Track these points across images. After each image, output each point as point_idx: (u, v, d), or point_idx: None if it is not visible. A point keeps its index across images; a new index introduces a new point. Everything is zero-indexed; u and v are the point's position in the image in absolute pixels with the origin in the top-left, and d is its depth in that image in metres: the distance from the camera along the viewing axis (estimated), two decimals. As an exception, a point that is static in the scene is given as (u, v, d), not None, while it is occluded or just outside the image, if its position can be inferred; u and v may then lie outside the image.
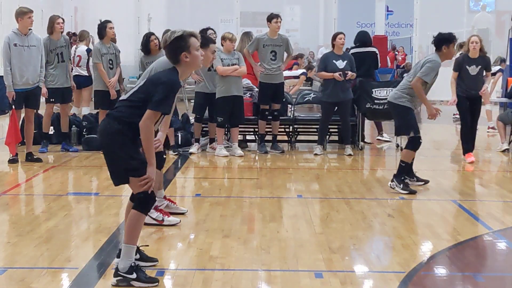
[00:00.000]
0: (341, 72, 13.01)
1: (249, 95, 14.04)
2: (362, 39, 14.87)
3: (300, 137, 14.75)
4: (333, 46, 13.36)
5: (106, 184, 10.41)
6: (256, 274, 6.30)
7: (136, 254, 6.11)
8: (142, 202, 5.94)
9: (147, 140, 5.77)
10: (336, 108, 13.34)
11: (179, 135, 13.69)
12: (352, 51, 14.63)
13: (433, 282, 6.42)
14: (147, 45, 13.13)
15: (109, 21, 13.31)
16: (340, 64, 13.13)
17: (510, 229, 8.07)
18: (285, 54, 13.70)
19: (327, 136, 14.29)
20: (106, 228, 7.75)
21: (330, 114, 13.37)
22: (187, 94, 18.07)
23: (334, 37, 13.34)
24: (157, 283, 5.94)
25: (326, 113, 13.44)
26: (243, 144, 14.11)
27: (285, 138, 14.46)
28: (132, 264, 5.91)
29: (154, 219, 7.73)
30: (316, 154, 13.21)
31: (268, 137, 13.77)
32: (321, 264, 6.55)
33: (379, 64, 15.03)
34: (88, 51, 16.03)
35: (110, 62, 13.17)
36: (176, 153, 13.11)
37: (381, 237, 7.68)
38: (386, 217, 8.51)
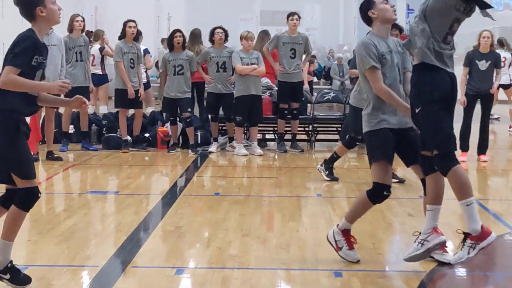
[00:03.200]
0: None
1: (269, 94, 14.04)
2: None
3: (319, 136, 14.72)
4: None
5: (126, 183, 10.45)
6: (275, 273, 6.30)
7: (6, 274, 5.59)
8: (23, 198, 5.55)
9: (19, 86, 5.33)
10: None
11: (199, 134, 13.72)
12: None
13: (454, 281, 6.40)
14: (170, 41, 13.24)
15: (131, 21, 13.35)
16: None
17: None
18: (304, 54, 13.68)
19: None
20: (125, 226, 7.77)
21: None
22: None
23: None
24: (29, 284, 5.65)
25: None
26: (262, 143, 14.12)
27: (305, 137, 14.45)
28: (9, 265, 5.58)
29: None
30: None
31: (288, 136, 13.77)
32: (340, 263, 6.53)
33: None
34: (101, 49, 16.08)
35: (131, 61, 13.20)
36: (196, 152, 13.12)
37: (401, 236, 7.66)
38: (406, 216, 8.49)
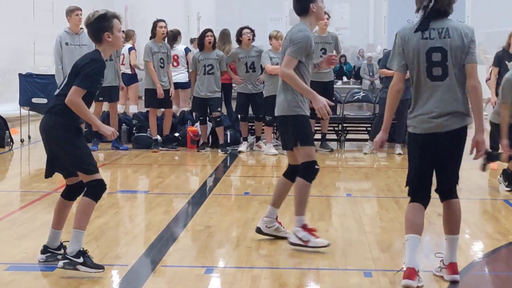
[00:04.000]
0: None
1: (298, 94, 14.01)
2: None
3: (349, 136, 14.69)
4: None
5: (156, 182, 10.49)
6: (304, 273, 6.30)
7: (79, 258, 6.03)
8: (92, 190, 6.08)
9: (79, 112, 5.98)
10: None
11: (228, 134, 13.74)
12: None
13: (484, 282, 6.36)
14: (201, 40, 13.27)
15: (161, 20, 13.38)
16: None
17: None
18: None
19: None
20: (155, 225, 7.80)
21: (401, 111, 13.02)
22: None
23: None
24: (102, 270, 6.02)
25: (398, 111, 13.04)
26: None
27: (334, 136, 14.42)
28: (81, 249, 6.03)
29: (300, 239, 6.90)
30: (366, 154, 12.95)
31: (317, 136, 13.74)
32: (370, 263, 6.52)
33: None
34: (130, 49, 16.16)
35: (161, 61, 13.25)
36: (225, 151, 13.14)
37: (431, 236, 7.61)
38: (436, 216, 8.42)
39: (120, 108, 15.48)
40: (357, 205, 8.98)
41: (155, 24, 13.36)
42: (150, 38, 13.42)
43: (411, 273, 5.75)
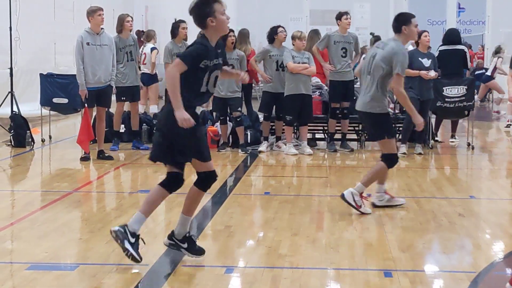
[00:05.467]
0: (428, 71, 12.84)
1: (318, 94, 14.02)
2: (451, 37, 14.42)
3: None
4: (417, 44, 13.21)
5: (176, 182, 10.49)
6: (325, 273, 6.29)
7: (184, 243, 6.55)
8: (203, 180, 6.52)
9: (169, 85, 6.05)
10: None
11: (248, 134, 13.75)
12: (440, 48, 14.35)
13: (505, 282, 6.32)
14: (224, 41, 13.26)
15: (183, 21, 13.40)
16: (426, 62, 12.99)
17: None
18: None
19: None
20: (176, 225, 7.78)
21: (417, 109, 12.95)
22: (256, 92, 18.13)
23: (419, 35, 13.11)
24: (203, 255, 6.50)
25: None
26: (312, 142, 14.10)
27: (354, 136, 14.39)
28: (187, 235, 6.51)
29: (355, 201, 8.49)
30: (404, 154, 12.85)
31: (337, 136, 13.73)
32: (390, 263, 6.50)
33: (469, 63, 14.67)
34: (152, 49, 16.19)
35: (181, 61, 13.24)
36: (245, 151, 13.15)
37: (452, 236, 7.59)
38: (456, 216, 8.41)
39: (140, 108, 15.52)
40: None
41: (176, 25, 13.37)
42: (171, 39, 13.45)
43: None
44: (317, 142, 14.50)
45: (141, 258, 6.31)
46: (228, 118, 13.55)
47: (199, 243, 6.77)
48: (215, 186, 10.12)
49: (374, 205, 8.74)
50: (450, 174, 11.63)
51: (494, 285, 6.18)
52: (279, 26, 13.50)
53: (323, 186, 10.38)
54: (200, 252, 6.57)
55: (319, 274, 6.21)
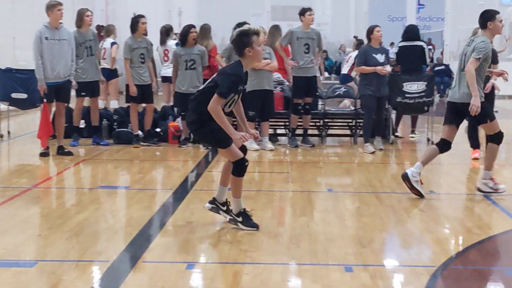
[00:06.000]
0: (384, 67, 12.84)
1: (280, 89, 14.04)
2: (410, 33, 14.44)
3: (330, 131, 14.71)
4: (369, 39, 13.19)
5: (137, 178, 10.47)
6: (286, 268, 6.30)
7: (224, 206, 7.61)
8: (236, 168, 7.28)
9: (217, 117, 7.02)
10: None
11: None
12: (399, 44, 14.39)
13: (464, 276, 6.38)
14: (185, 36, 13.22)
15: (142, 16, 13.35)
16: (380, 58, 12.98)
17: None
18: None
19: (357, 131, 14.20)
20: (136, 221, 7.77)
21: (374, 107, 13.04)
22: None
23: (371, 30, 13.12)
24: (257, 228, 7.30)
25: (371, 107, 13.02)
26: (273, 138, 14.11)
27: (316, 132, 14.43)
28: (241, 210, 7.41)
29: (491, 188, 9.32)
30: (373, 152, 12.82)
31: (299, 131, 13.75)
32: (351, 258, 6.53)
33: (428, 59, 14.72)
34: (112, 44, 16.08)
35: (142, 56, 13.20)
36: (207, 147, 13.12)
37: (411, 231, 7.64)
38: (416, 211, 8.47)
39: (101, 104, 15.42)
40: (338, 200, 8.99)
41: (136, 20, 13.30)
42: (131, 34, 13.36)
43: None
44: (279, 137, 14.52)
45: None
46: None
47: (159, 239, 6.74)
48: (176, 182, 10.12)
49: (480, 190, 9.40)
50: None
51: (453, 279, 6.23)
52: (244, 23, 13.46)
53: (284, 182, 10.39)
54: (254, 226, 7.40)
55: (281, 270, 6.21)
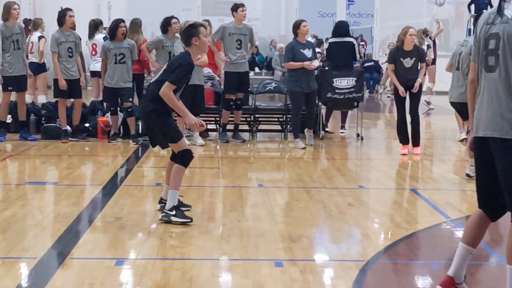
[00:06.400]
0: (311, 61, 12.84)
1: (210, 84, 14.00)
2: (340, 29, 14.49)
3: (261, 127, 14.73)
4: (296, 34, 13.17)
5: (65, 173, 10.34)
6: (216, 263, 6.29)
7: (173, 211, 7.56)
8: (183, 156, 7.55)
9: (169, 102, 7.34)
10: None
11: (140, 124, 13.60)
12: (329, 40, 14.44)
13: (392, 270, 6.46)
14: (115, 30, 13.08)
15: (70, 9, 13.19)
16: (308, 53, 12.99)
17: (467, 217, 8.13)
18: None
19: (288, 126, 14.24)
20: (65, 217, 7.68)
21: (302, 103, 13.10)
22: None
23: (297, 25, 13.12)
24: (191, 220, 7.42)
25: (299, 103, 13.06)
26: (204, 133, 14.07)
27: (246, 127, 14.44)
28: (174, 205, 7.47)
29: None
30: (304, 148, 12.83)
31: (229, 126, 13.74)
32: (281, 253, 6.55)
33: (358, 55, 14.83)
34: (40, 38, 15.86)
35: (70, 50, 13.02)
36: (137, 142, 13.03)
37: (341, 226, 7.70)
38: (346, 206, 8.54)
39: (28, 98, 15.16)
40: (269, 196, 9.02)
41: (63, 13, 13.11)
42: (58, 28, 13.17)
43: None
44: (209, 133, 14.49)
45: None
46: (119, 109, 13.38)
47: (88, 235, 6.67)
48: (105, 178, 10.02)
49: (469, 176, 9.80)
50: (340, 164, 11.80)
51: (382, 273, 6.30)
52: (172, 17, 13.41)
53: (215, 177, 10.38)
54: (188, 218, 7.53)
55: (211, 265, 6.20)
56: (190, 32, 7.53)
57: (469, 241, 5.28)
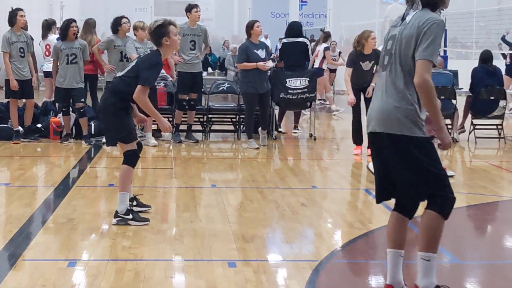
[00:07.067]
0: (265, 62, 12.85)
1: (163, 85, 13.98)
2: (293, 29, 14.50)
3: (214, 127, 14.73)
4: (249, 35, 13.17)
5: (17, 174, 10.25)
6: (169, 264, 6.29)
7: (133, 202, 7.78)
8: (129, 156, 7.47)
9: (144, 107, 7.27)
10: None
11: (92, 125, 13.54)
12: (283, 41, 14.47)
13: (345, 270, 6.51)
14: (66, 30, 13.00)
15: (20, 9, 13.07)
16: (261, 53, 13.00)
17: (420, 218, 8.20)
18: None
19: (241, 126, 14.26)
20: (17, 219, 7.62)
21: (256, 104, 13.11)
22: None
23: (251, 26, 13.13)
24: (148, 222, 7.43)
25: (252, 104, 13.08)
26: (157, 133, 14.03)
27: (199, 127, 14.43)
28: (128, 207, 7.46)
29: None
30: (257, 148, 12.85)
31: (183, 127, 13.72)
32: (234, 253, 6.57)
33: (311, 56, 14.86)
34: None
35: (21, 50, 12.92)
36: (89, 143, 12.96)
37: (294, 226, 7.73)
38: (299, 206, 8.58)
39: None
40: (222, 196, 9.03)
41: (14, 13, 13.00)
42: (9, 28, 13.05)
43: None
44: (162, 133, 14.45)
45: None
46: (71, 109, 13.30)
47: (40, 236, 6.62)
48: (58, 179, 9.96)
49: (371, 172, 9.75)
50: (293, 164, 11.86)
51: (335, 273, 6.34)
52: (122, 17, 13.36)
53: (168, 177, 10.36)
54: (145, 219, 7.54)
55: (164, 266, 6.20)
56: (160, 31, 7.37)
57: (395, 244, 5.46)
